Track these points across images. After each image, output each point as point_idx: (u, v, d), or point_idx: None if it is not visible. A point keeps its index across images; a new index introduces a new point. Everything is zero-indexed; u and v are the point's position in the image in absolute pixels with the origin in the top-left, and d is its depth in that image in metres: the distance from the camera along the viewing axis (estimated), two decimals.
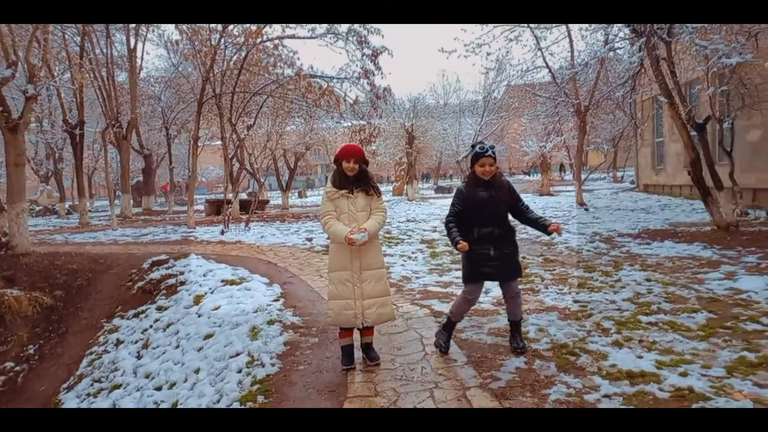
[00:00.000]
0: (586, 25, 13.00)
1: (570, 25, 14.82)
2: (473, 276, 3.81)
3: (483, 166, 3.72)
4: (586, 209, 14.00)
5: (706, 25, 7.53)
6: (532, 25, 14.56)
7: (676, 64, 9.06)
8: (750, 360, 3.44)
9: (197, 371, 4.46)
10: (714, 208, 8.71)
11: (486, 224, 3.74)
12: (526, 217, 3.86)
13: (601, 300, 5.11)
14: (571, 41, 15.06)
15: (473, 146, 3.84)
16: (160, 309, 6.27)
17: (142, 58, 21.17)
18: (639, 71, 10.69)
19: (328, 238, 3.95)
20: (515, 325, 3.95)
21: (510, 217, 3.89)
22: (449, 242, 3.87)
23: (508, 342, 3.99)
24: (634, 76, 10.94)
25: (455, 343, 4.12)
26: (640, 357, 3.61)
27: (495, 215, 3.77)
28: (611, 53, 12.70)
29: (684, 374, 3.30)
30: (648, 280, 5.75)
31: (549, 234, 3.80)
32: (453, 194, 3.96)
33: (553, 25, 14.68)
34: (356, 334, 3.92)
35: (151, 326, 5.94)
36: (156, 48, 34.09)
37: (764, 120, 11.08)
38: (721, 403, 2.93)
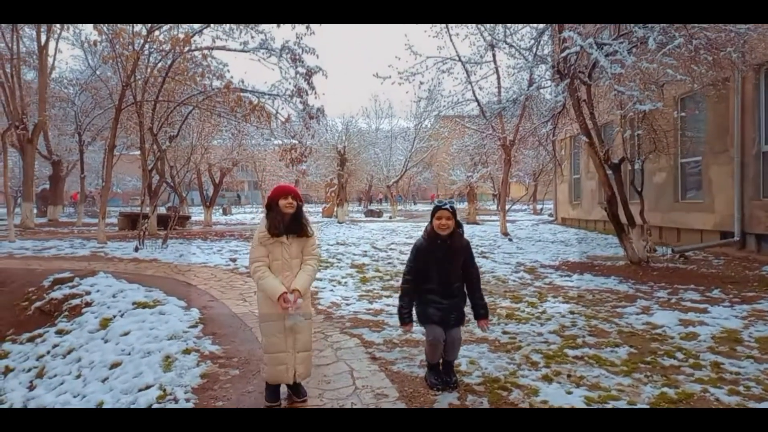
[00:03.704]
0: (514, 62, 13.62)
1: (498, 62, 15.48)
2: (422, 318, 3.81)
3: (440, 219, 3.69)
4: (510, 239, 14.46)
5: (623, 71, 8.07)
6: (463, 58, 15.11)
7: (594, 106, 9.64)
8: (670, 396, 3.54)
9: (100, 405, 3.99)
10: (627, 244, 9.24)
11: (437, 281, 3.74)
12: (469, 286, 3.87)
13: (529, 332, 5.17)
14: (498, 77, 15.70)
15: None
16: (60, 333, 5.65)
17: (54, 57, 19.74)
18: (561, 111, 11.30)
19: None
20: (447, 364, 3.88)
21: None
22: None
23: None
24: (557, 115, 11.56)
25: (386, 376, 3.98)
26: (569, 393, 3.62)
27: (446, 275, 3.76)
28: (536, 92, 13.37)
29: None
30: (571, 312, 5.92)
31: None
32: (412, 247, 3.88)
33: (483, 60, 15.31)
34: None
35: (48, 352, 5.30)
36: (71, 48, 31.95)
37: (668, 164, 12.06)
38: None
